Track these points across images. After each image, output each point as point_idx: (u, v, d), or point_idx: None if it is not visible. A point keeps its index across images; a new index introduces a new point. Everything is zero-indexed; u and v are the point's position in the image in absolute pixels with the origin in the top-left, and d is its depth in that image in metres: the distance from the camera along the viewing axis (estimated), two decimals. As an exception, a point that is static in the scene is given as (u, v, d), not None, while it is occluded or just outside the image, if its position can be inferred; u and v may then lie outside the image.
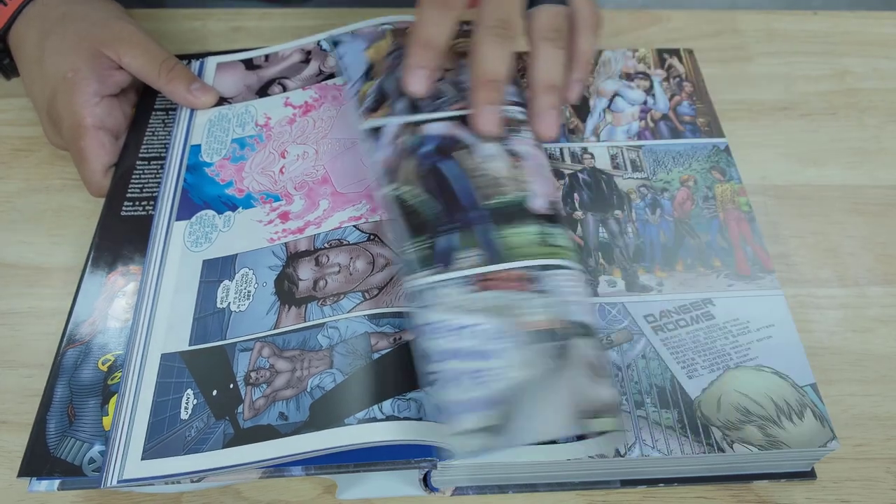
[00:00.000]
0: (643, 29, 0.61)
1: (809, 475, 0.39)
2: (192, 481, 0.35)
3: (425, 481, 0.37)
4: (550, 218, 0.38)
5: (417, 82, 0.41)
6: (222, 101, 0.50)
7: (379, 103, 0.44)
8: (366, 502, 0.39)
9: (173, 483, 0.35)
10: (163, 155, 0.48)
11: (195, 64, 0.52)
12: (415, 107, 0.43)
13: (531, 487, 0.39)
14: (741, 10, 0.64)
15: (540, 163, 0.41)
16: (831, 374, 0.43)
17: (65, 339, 0.39)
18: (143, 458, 0.35)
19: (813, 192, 0.51)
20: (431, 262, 0.37)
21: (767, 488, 0.39)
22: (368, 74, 0.46)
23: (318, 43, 0.53)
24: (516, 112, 0.43)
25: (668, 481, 0.39)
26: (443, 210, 0.38)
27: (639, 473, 0.38)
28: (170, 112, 0.50)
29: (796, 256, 0.48)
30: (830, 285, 0.47)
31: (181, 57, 0.52)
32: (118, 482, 0.34)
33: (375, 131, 0.43)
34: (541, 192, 0.39)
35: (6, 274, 0.47)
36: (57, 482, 0.35)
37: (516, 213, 0.38)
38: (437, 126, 0.42)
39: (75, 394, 0.38)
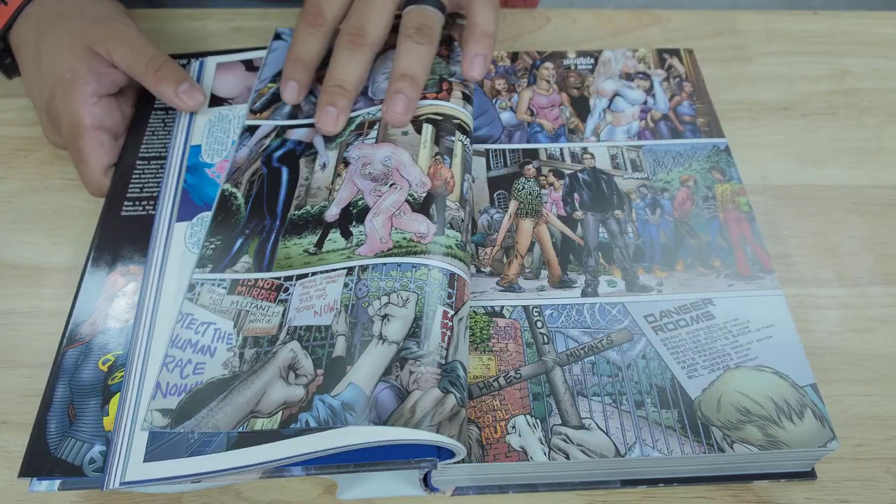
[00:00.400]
0: (643, 29, 0.61)
1: (809, 475, 0.39)
2: (192, 482, 0.35)
3: (425, 481, 0.37)
4: (340, 222, 0.41)
5: (289, 93, 0.47)
6: (222, 101, 0.50)
7: (269, 104, 0.48)
8: (366, 502, 0.39)
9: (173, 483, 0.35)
10: (163, 155, 0.48)
11: (195, 64, 0.52)
12: (295, 114, 0.48)
13: (531, 487, 0.39)
14: (741, 10, 0.64)
15: (367, 162, 0.43)
16: (831, 374, 0.43)
17: (65, 339, 0.39)
18: (145, 461, 0.35)
19: (813, 192, 0.51)
20: (210, 261, 0.41)
21: (767, 488, 0.39)
22: (279, 74, 0.50)
23: None
24: (375, 112, 0.46)
25: (668, 481, 0.39)
26: (248, 216, 0.42)
27: (639, 473, 0.38)
28: (170, 111, 0.50)
29: (796, 256, 0.48)
30: (830, 285, 0.47)
31: (181, 56, 0.52)
32: (120, 484, 0.34)
33: (251, 130, 0.47)
34: (340, 199, 0.42)
35: (6, 274, 0.47)
36: (57, 482, 0.35)
37: (310, 222, 0.42)
38: (300, 131, 0.47)
39: (76, 394, 0.38)
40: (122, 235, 0.44)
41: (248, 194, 0.44)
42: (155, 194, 0.45)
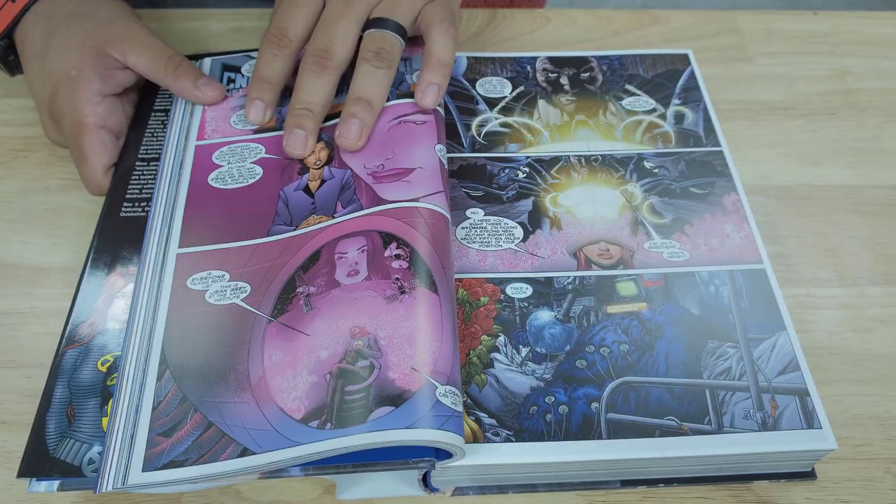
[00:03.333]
0: (643, 29, 0.61)
1: (809, 475, 0.39)
2: (190, 483, 0.35)
3: (425, 481, 0.37)
4: None
5: (254, 112, 0.46)
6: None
7: None
8: (366, 502, 0.39)
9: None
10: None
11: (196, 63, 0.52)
12: None
13: (531, 488, 0.39)
14: (741, 10, 0.64)
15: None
16: (831, 374, 0.43)
17: (64, 340, 0.39)
18: (144, 470, 0.34)
19: (813, 192, 0.51)
20: None
21: (767, 488, 0.39)
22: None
23: None
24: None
25: (668, 481, 0.39)
26: None
27: (639, 474, 0.38)
28: (169, 113, 0.50)
29: (796, 256, 0.48)
30: (830, 285, 0.47)
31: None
32: (114, 488, 0.34)
33: None
34: None
35: (6, 274, 0.47)
36: (56, 483, 0.35)
37: None
38: None
39: (75, 394, 0.38)
40: (121, 236, 0.44)
41: None
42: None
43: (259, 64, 0.47)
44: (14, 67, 0.51)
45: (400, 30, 0.46)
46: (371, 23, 0.46)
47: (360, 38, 0.46)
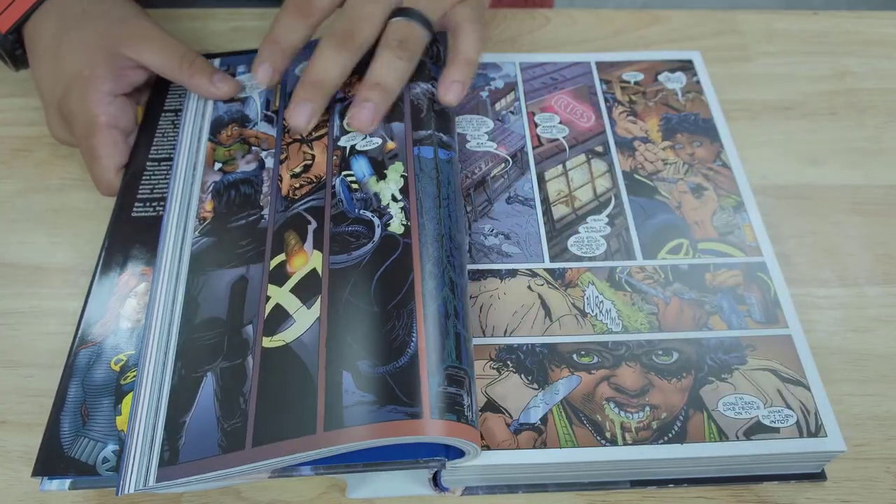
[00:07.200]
0: (643, 29, 0.61)
1: (819, 477, 0.39)
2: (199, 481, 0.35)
3: (435, 480, 0.37)
4: None
5: (262, 74, 0.45)
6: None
7: None
8: (375, 501, 0.39)
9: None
10: (172, 156, 0.48)
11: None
12: None
13: (541, 487, 0.39)
14: (741, 10, 0.63)
15: None
16: (831, 374, 0.43)
17: (77, 340, 0.39)
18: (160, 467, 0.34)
19: (813, 192, 0.51)
20: None
21: (766, 488, 0.39)
22: None
23: None
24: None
25: (679, 482, 0.38)
26: None
27: (649, 474, 0.38)
28: (178, 113, 0.50)
29: (796, 256, 0.48)
30: (830, 285, 0.47)
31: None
32: (135, 490, 0.34)
33: None
34: None
35: (6, 274, 0.47)
36: (68, 481, 0.35)
37: None
38: None
39: (88, 394, 0.38)
40: (133, 236, 0.44)
41: None
42: (166, 195, 0.45)
43: (276, 27, 0.45)
44: (20, 62, 0.50)
45: (426, 23, 0.45)
46: (398, 11, 0.45)
47: (385, 25, 0.45)
